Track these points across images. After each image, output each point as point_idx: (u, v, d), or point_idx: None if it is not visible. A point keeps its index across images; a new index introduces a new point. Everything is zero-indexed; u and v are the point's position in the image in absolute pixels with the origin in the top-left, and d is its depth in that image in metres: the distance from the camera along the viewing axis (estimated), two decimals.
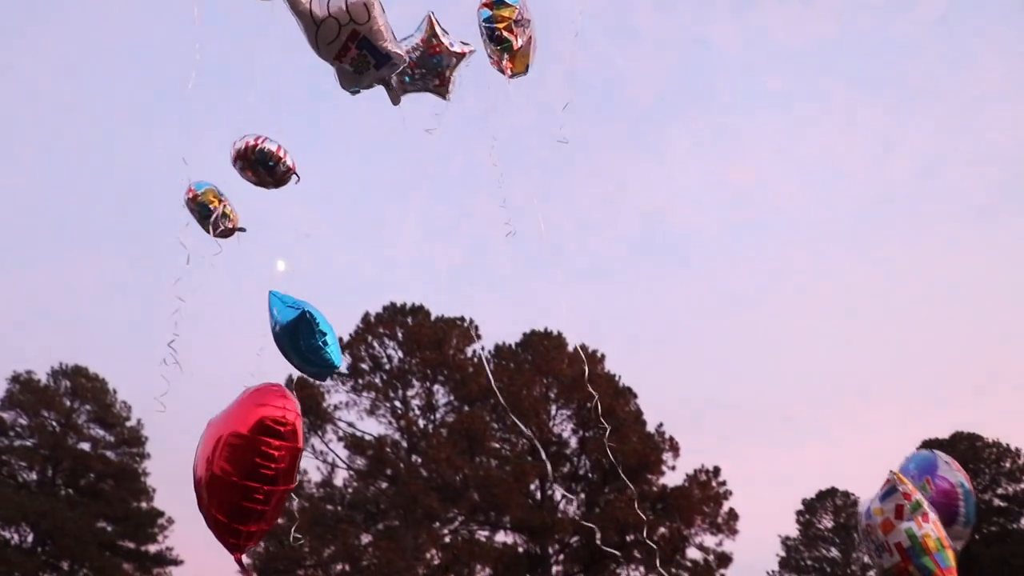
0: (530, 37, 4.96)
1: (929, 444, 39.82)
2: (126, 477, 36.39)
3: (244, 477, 2.37)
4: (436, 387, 32.13)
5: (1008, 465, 39.30)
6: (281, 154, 5.27)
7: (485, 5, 4.68)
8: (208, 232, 5.54)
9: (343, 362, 33.16)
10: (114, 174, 63.78)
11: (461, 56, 4.92)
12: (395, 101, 4.86)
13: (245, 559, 2.95)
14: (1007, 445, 39.46)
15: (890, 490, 3.51)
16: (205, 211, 5.40)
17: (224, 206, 5.53)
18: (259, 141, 5.23)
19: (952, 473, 3.50)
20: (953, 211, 68.18)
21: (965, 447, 38.64)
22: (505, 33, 4.67)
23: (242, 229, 5.72)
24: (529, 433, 28.47)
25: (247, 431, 2.42)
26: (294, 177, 5.42)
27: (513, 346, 33.29)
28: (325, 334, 4.71)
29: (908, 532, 3.31)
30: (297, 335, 4.57)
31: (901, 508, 3.35)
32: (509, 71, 4.87)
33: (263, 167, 5.19)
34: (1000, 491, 39.00)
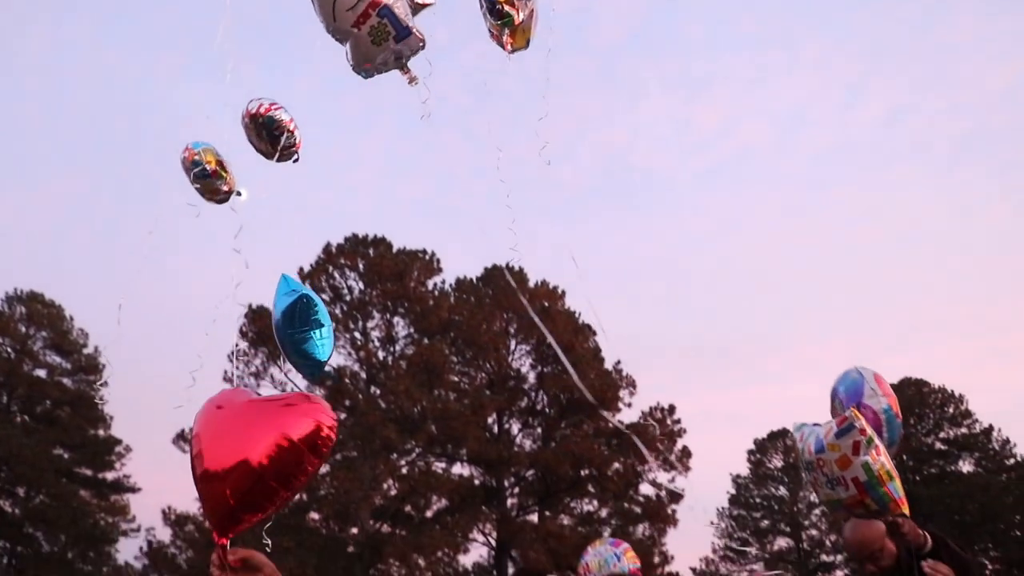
0: (532, 10, 4.69)
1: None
2: (83, 404, 36.21)
3: (276, 479, 2.36)
4: (396, 319, 32.22)
5: (951, 411, 40.56)
6: (291, 127, 4.98)
7: None
8: (202, 195, 5.22)
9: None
10: (79, 97, 62.18)
11: (423, 7, 4.71)
12: (412, 82, 4.46)
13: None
14: (951, 391, 40.68)
15: (847, 427, 3.59)
16: (202, 172, 5.06)
17: (218, 165, 5.15)
18: (272, 108, 4.93)
19: (877, 400, 3.61)
20: (916, 161, 69.00)
21: (912, 392, 39.74)
22: (507, 7, 4.38)
23: (239, 193, 5.44)
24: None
25: (298, 439, 2.39)
26: (296, 155, 5.13)
27: (474, 280, 33.43)
28: (322, 325, 4.50)
29: (864, 466, 3.43)
30: (293, 320, 4.39)
31: (857, 444, 3.45)
32: (509, 46, 4.59)
33: (267, 134, 4.91)
34: (942, 435, 40.30)
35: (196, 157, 4.97)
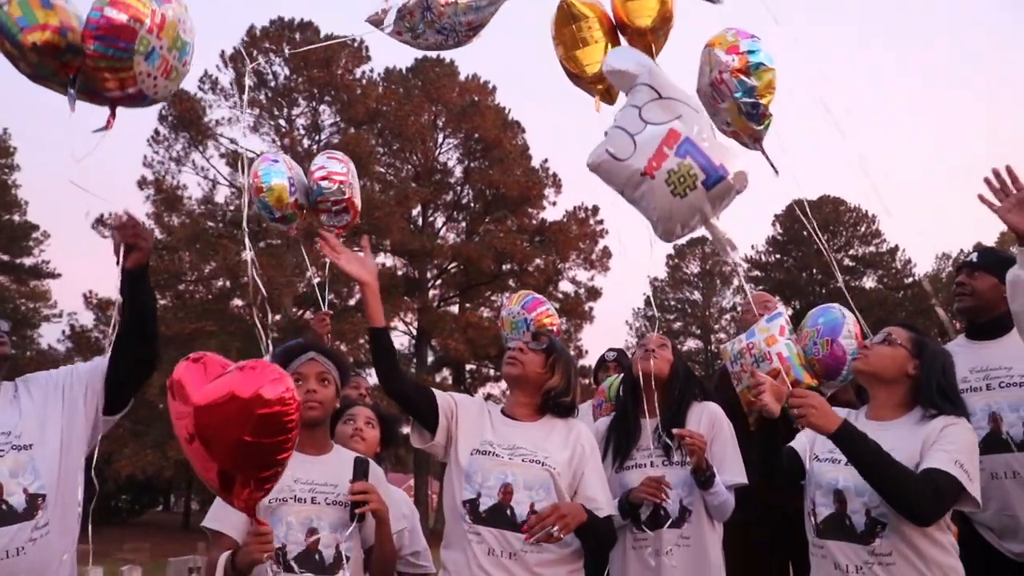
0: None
1: (798, 203, 42.19)
2: None
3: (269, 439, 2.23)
4: (322, 107, 31.47)
5: (863, 230, 42.18)
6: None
7: (739, 72, 3.32)
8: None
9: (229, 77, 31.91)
10: None
11: None
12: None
13: None
14: (866, 211, 42.11)
15: (777, 315, 3.92)
16: (267, 212, 4.05)
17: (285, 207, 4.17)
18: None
19: (850, 342, 3.73)
20: None
21: (829, 209, 41.09)
22: (768, 106, 3.40)
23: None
24: None
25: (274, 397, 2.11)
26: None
27: (403, 71, 32.60)
28: None
29: (787, 346, 3.70)
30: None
31: (783, 328, 3.75)
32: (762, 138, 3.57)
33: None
34: (852, 252, 42.09)
35: (265, 195, 3.98)
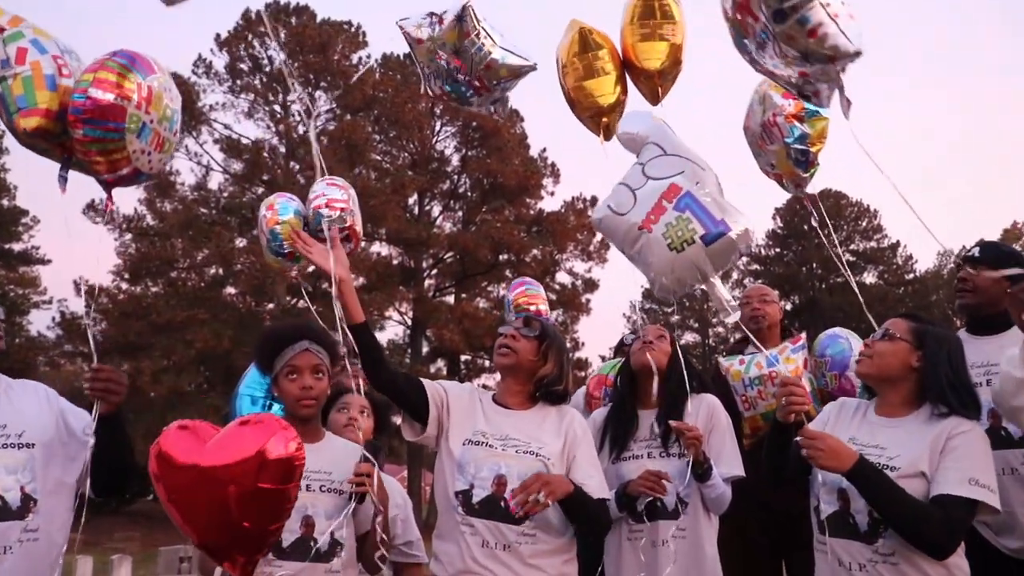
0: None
1: (797, 198, 42.02)
2: None
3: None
4: (318, 93, 31.09)
5: (864, 224, 41.97)
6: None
7: (793, 117, 3.33)
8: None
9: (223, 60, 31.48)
10: None
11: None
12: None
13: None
14: (867, 206, 41.93)
15: (802, 346, 3.95)
16: (277, 244, 3.80)
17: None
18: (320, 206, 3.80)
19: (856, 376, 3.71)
20: None
21: (830, 203, 40.82)
22: (818, 154, 3.41)
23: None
24: None
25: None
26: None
27: (401, 57, 32.18)
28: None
29: (809, 380, 3.79)
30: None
31: (807, 361, 3.85)
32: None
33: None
34: (853, 247, 41.89)
35: (280, 230, 3.81)
